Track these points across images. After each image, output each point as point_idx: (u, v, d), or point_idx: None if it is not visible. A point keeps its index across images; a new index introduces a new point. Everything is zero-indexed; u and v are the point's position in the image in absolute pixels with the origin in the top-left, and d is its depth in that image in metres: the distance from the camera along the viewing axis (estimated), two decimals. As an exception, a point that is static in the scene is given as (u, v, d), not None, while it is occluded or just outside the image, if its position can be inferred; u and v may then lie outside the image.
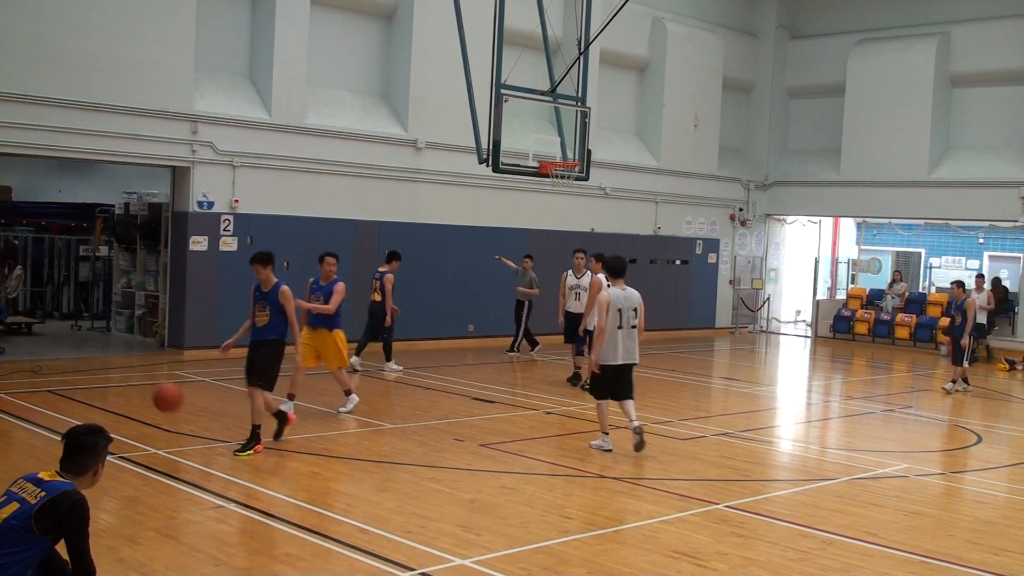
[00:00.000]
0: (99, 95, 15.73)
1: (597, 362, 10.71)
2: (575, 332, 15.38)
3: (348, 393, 12.51)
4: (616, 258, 11.39)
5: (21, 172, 24.26)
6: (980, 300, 21.97)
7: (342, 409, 12.43)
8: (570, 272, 15.67)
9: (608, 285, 11.37)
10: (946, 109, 24.82)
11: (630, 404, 10.88)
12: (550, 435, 11.93)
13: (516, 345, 18.93)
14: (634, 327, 10.85)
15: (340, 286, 12.17)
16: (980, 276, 22.84)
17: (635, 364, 10.98)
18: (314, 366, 12.26)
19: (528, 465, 10.22)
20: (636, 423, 10.71)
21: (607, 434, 10.91)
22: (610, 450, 10.78)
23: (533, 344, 18.91)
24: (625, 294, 10.88)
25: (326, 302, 12.06)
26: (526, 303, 18.68)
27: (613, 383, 10.83)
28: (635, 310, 10.89)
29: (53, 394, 12.95)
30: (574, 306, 15.47)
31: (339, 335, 12.21)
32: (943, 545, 8.00)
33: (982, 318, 21.94)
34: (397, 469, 9.92)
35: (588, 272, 15.28)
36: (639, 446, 10.59)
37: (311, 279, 12.54)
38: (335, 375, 12.40)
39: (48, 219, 23.24)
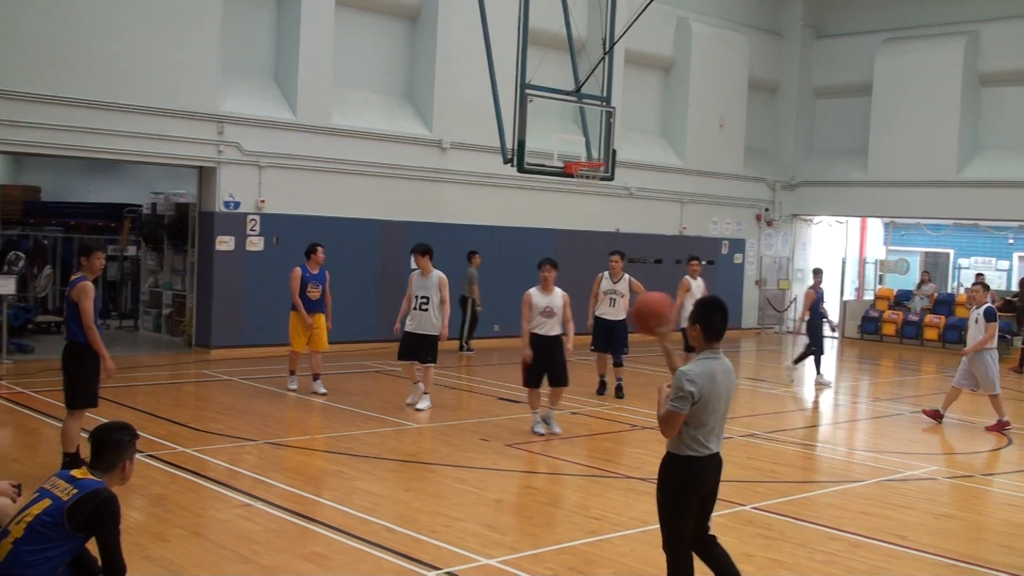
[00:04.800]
0: (127, 96, 15.84)
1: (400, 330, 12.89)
2: (608, 340, 14.59)
3: (318, 377, 13.68)
4: (420, 244, 13.22)
5: (50, 172, 24.51)
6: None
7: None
8: (605, 275, 14.79)
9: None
10: (975, 108, 24.60)
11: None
12: (576, 436, 11.90)
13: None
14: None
15: (328, 275, 13.82)
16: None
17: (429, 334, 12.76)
18: (304, 349, 13.68)
19: (554, 465, 10.21)
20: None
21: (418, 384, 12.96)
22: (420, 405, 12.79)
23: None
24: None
25: (323, 290, 13.63)
26: None
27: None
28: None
29: (82, 393, 13.02)
30: (608, 312, 14.56)
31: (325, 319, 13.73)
32: (973, 548, 7.93)
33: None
34: (423, 468, 9.94)
35: (625, 276, 14.65)
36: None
37: (297, 268, 13.60)
38: (318, 357, 13.68)
39: (77, 219, 23.41)
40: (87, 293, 8.64)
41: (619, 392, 14.58)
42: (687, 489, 5.68)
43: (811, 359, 17.36)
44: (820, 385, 17.13)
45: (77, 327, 8.73)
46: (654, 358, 18.63)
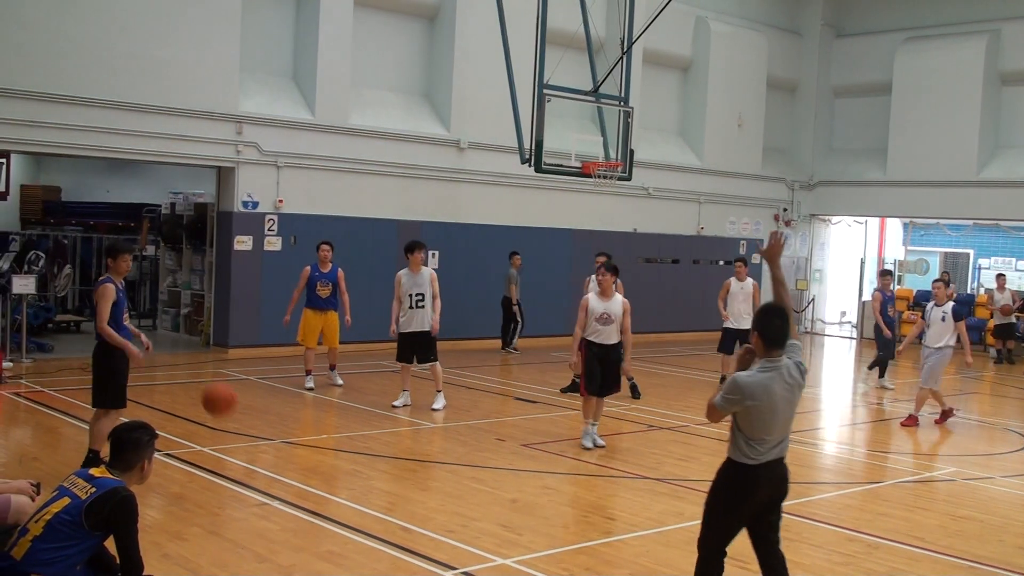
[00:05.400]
0: (146, 96, 15.93)
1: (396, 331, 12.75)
2: None
3: (333, 367, 14.32)
4: (417, 240, 13.10)
5: (70, 172, 24.66)
6: (1004, 300, 21.74)
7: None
8: (592, 278, 14.56)
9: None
10: (995, 108, 24.43)
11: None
12: (592, 436, 11.88)
13: None
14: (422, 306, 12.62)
15: (342, 272, 14.16)
16: (1001, 276, 22.53)
17: (427, 331, 12.66)
18: (316, 346, 14.12)
19: (570, 465, 10.20)
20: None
21: (407, 391, 12.91)
22: (408, 405, 12.77)
23: None
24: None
25: (335, 287, 14.00)
26: None
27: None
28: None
29: (101, 391, 13.10)
30: None
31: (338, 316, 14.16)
32: (992, 551, 7.87)
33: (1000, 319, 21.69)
34: (439, 468, 9.95)
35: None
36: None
37: (307, 267, 14.09)
38: (334, 351, 14.28)
39: (96, 219, 23.57)
40: (104, 296, 8.70)
41: (634, 392, 14.49)
42: (738, 496, 5.63)
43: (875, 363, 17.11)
44: (883, 390, 16.72)
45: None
46: (668, 358, 18.60)
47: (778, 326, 5.52)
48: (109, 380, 8.85)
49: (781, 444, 5.64)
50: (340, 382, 14.21)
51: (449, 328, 18.64)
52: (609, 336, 10.82)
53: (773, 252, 6.08)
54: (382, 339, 15.32)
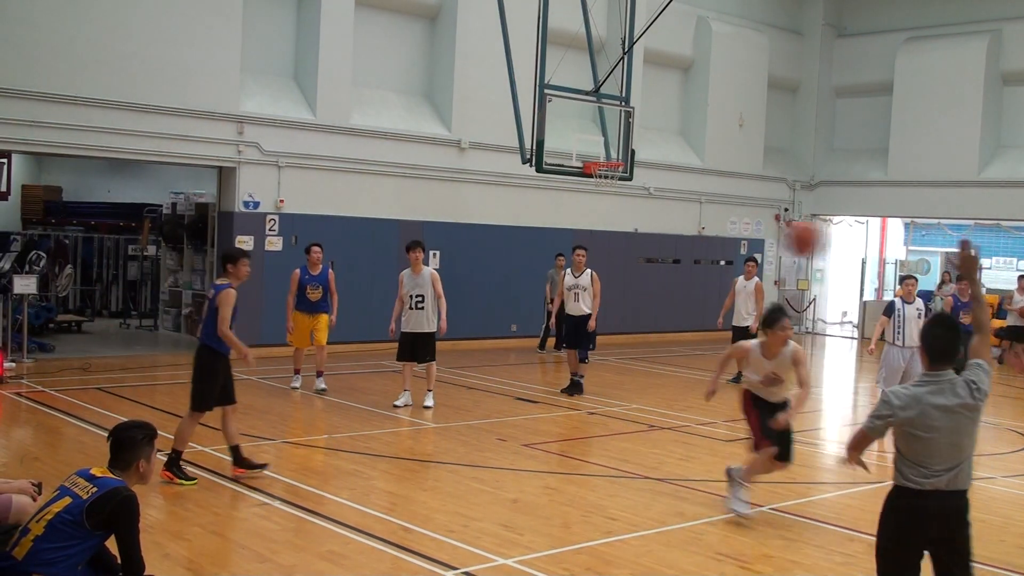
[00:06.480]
0: (147, 96, 15.93)
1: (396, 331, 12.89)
2: (575, 336, 14.53)
3: (320, 374, 13.87)
4: (416, 240, 13.07)
5: (71, 172, 24.68)
6: (1022, 302, 21.64)
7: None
8: (568, 271, 14.75)
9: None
10: (997, 108, 24.42)
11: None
12: (593, 435, 11.90)
13: None
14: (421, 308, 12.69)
15: (332, 274, 14.00)
16: (1023, 277, 22.47)
17: (427, 332, 12.75)
18: (307, 347, 14.04)
19: (571, 465, 10.20)
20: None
21: (407, 391, 12.86)
22: (409, 404, 12.71)
23: None
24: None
25: (325, 291, 13.80)
26: None
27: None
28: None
29: (102, 391, 13.14)
30: (573, 307, 14.48)
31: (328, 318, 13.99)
32: (993, 551, 7.86)
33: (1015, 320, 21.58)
34: (440, 468, 9.95)
35: (588, 271, 14.48)
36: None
37: (296, 270, 13.94)
38: (321, 352, 13.97)
39: (97, 219, 23.60)
40: (228, 301, 8.85)
41: (573, 388, 14.45)
42: (906, 525, 4.98)
43: None
44: None
45: (211, 331, 8.90)
46: (669, 358, 18.58)
47: (940, 337, 4.95)
48: (204, 386, 8.95)
49: (953, 472, 4.95)
50: (323, 387, 13.70)
51: (450, 328, 18.65)
52: (779, 395, 8.61)
53: (967, 268, 5.40)
54: (382, 339, 15.40)
